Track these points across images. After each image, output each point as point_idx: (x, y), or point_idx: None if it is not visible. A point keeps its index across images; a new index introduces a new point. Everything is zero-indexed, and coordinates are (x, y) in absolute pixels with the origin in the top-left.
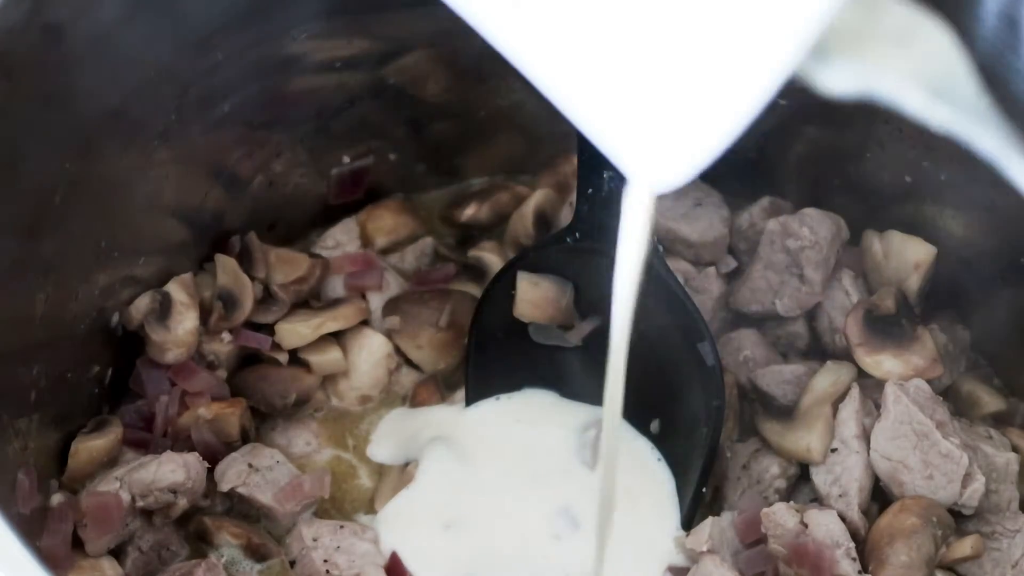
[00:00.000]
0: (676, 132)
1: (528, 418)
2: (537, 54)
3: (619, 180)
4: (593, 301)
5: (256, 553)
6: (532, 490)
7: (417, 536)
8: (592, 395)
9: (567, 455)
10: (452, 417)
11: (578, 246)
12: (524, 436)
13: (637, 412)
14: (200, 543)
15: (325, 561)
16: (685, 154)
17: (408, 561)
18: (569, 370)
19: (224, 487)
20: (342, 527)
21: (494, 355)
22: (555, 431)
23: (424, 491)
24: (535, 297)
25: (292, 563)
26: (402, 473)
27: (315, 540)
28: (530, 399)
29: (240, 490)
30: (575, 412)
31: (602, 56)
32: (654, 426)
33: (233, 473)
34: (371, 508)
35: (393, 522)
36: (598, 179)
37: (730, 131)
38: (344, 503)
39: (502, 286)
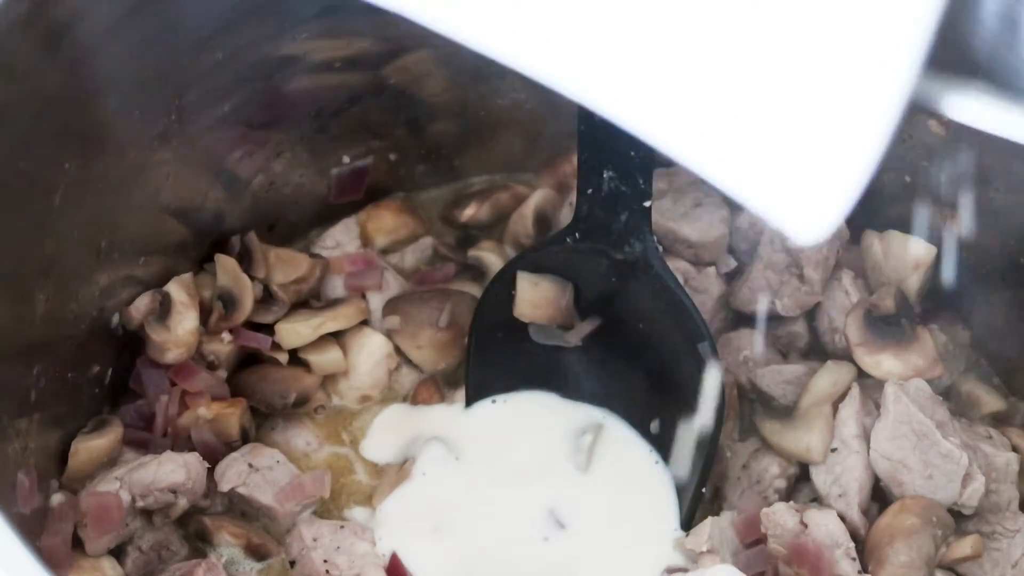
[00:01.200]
0: (821, 173)
1: (525, 420)
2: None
3: (619, 180)
4: (593, 301)
5: (256, 553)
6: (524, 492)
7: (413, 536)
8: (591, 395)
9: (560, 459)
10: (449, 417)
11: (578, 246)
12: (520, 438)
13: (637, 412)
14: (200, 543)
15: (325, 561)
16: (836, 193)
17: (404, 561)
18: (569, 370)
19: (224, 487)
20: (342, 527)
21: (494, 355)
22: (551, 434)
23: (420, 491)
24: (535, 297)
25: (292, 563)
26: (400, 471)
27: (315, 540)
28: (529, 401)
29: (240, 490)
30: (573, 415)
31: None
32: (654, 426)
33: (233, 473)
34: (368, 502)
35: (390, 521)
36: (598, 179)
37: (871, 156)
38: (341, 496)
39: (502, 286)
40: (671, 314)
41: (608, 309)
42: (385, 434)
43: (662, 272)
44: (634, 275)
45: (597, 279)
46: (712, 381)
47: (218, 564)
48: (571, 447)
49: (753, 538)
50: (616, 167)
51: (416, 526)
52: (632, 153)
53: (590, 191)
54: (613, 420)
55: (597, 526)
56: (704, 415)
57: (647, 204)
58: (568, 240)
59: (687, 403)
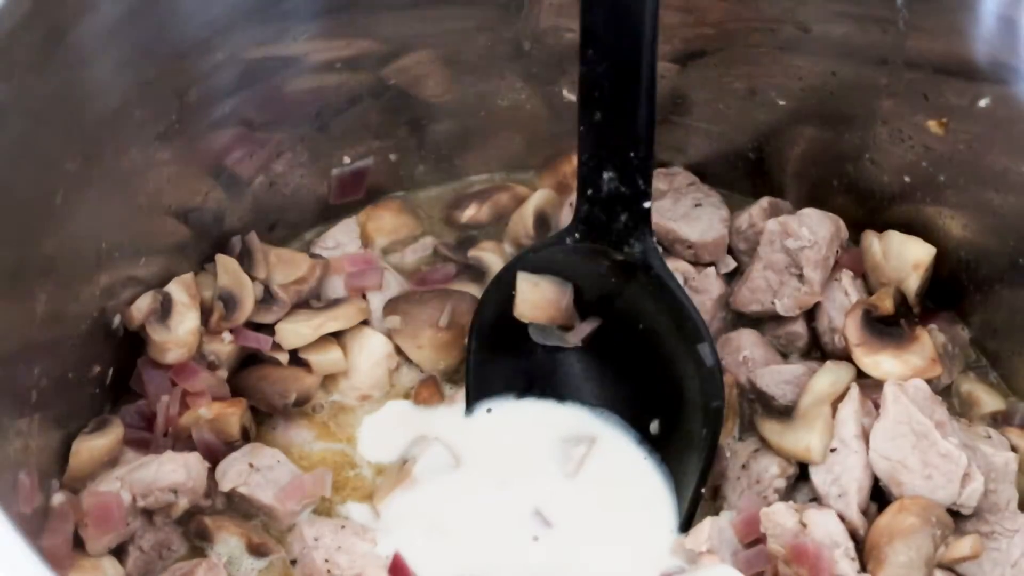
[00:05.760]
0: None
1: (523, 427)
2: None
3: (619, 181)
4: (593, 302)
5: (256, 552)
6: (519, 497)
7: (413, 537)
8: (591, 396)
9: (555, 466)
10: (450, 421)
11: (578, 247)
12: (517, 445)
13: (636, 412)
14: (200, 542)
15: (326, 560)
16: None
17: (405, 561)
18: (569, 371)
19: (225, 487)
20: (343, 527)
21: (494, 356)
22: (547, 442)
23: (421, 493)
24: (535, 298)
25: (293, 562)
26: (400, 471)
27: (316, 540)
28: (527, 408)
29: (241, 490)
30: (570, 424)
31: None
32: (654, 427)
33: (234, 473)
34: (367, 499)
35: (391, 522)
36: (598, 180)
37: None
38: (343, 490)
39: (502, 286)
40: (671, 315)
41: (608, 310)
42: (383, 432)
43: (662, 273)
44: (634, 276)
45: (597, 280)
46: (712, 381)
47: (219, 563)
48: (561, 455)
49: (752, 538)
50: (616, 168)
51: (416, 527)
52: (632, 154)
53: (590, 192)
54: (611, 424)
55: (590, 530)
56: (704, 415)
57: (647, 205)
58: (568, 241)
59: (687, 403)
